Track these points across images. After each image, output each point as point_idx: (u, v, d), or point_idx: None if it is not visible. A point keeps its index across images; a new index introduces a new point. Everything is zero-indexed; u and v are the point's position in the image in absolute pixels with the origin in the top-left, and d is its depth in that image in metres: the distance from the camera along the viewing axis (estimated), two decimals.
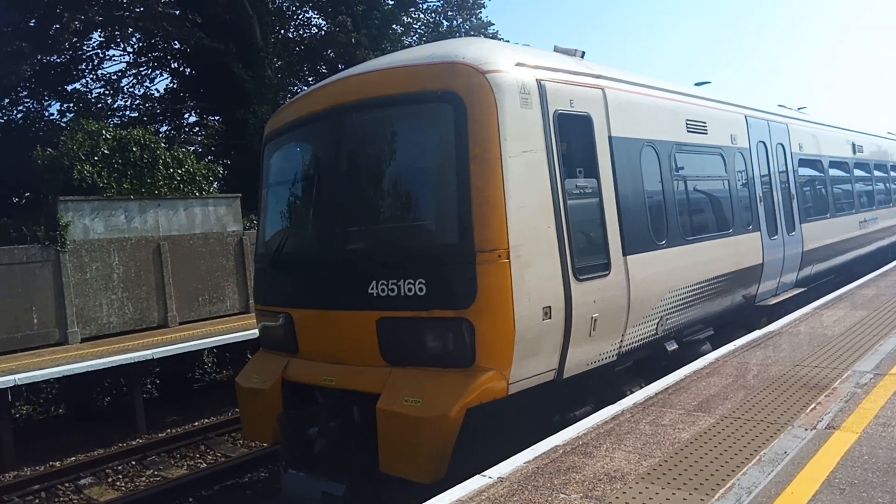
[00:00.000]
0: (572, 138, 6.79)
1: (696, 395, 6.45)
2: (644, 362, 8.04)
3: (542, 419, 6.57)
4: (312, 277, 7.02)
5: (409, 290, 6.03)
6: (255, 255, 8.49)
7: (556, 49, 7.90)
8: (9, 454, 11.59)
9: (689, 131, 9.11)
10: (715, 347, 8.68)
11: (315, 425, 6.83)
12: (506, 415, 6.01)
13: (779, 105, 13.70)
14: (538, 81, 6.44)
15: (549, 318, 6.13)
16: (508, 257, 5.80)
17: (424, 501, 4.49)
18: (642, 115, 8.06)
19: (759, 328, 9.81)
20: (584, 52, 7.93)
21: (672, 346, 8.34)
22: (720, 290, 9.33)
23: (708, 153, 9.67)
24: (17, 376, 11.47)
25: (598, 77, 7.44)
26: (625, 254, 7.15)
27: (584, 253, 6.62)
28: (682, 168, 8.82)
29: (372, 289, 6.26)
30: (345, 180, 6.83)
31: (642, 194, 7.78)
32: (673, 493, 4.29)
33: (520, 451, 5.20)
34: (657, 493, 4.31)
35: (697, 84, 11.46)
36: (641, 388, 7.26)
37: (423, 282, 5.96)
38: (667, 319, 8.05)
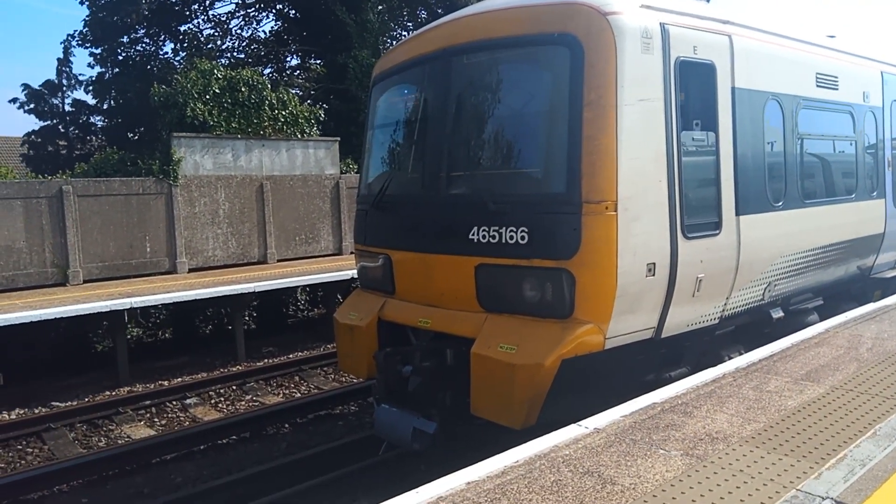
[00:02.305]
0: (693, 88, 6.47)
1: (803, 364, 6.18)
2: (746, 328, 7.70)
3: (637, 377, 6.46)
4: (414, 220, 7.06)
5: (511, 237, 5.99)
6: (357, 196, 8.61)
7: None
8: (123, 371, 12.54)
9: (818, 86, 8.52)
10: (823, 319, 8.28)
11: (409, 364, 6.98)
12: (600, 369, 5.97)
13: None
14: (662, 25, 6.10)
15: (653, 275, 5.95)
16: (616, 210, 5.64)
17: (514, 447, 4.52)
18: (770, 66, 7.58)
19: (873, 301, 9.28)
20: None
21: (778, 314, 7.97)
22: (835, 259, 8.85)
23: (836, 111, 9.03)
24: (132, 300, 12.31)
25: (725, 23, 6.99)
26: (738, 214, 6.83)
27: (694, 210, 6.36)
28: (807, 125, 8.30)
29: (473, 234, 6.25)
30: (452, 124, 6.77)
31: (762, 152, 7.36)
32: (780, 459, 4.15)
33: (612, 407, 5.14)
34: (762, 457, 4.18)
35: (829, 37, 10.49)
36: (741, 354, 7.05)
37: (526, 230, 5.90)
38: (775, 285, 7.69)
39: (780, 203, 7.61)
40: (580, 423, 4.86)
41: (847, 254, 9.14)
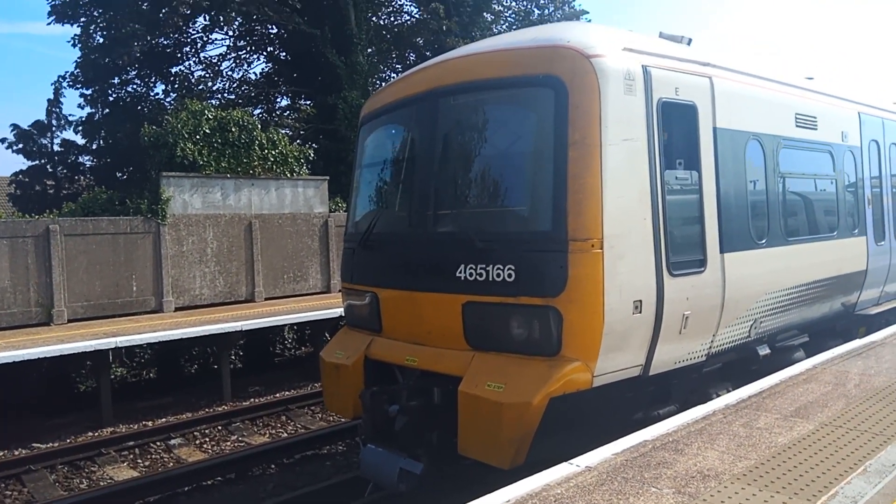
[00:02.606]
0: (675, 128, 6.59)
1: (792, 401, 6.19)
2: (733, 365, 7.71)
3: (625, 415, 6.43)
4: (401, 258, 7.06)
5: (498, 275, 6.00)
6: (345, 234, 8.62)
7: (661, 35, 7.67)
8: (107, 411, 12.33)
9: (797, 126, 8.68)
10: (809, 355, 8.27)
11: (396, 403, 6.90)
12: (588, 407, 5.91)
13: (895, 102, 12.78)
14: (644, 67, 6.25)
15: (640, 312, 5.96)
16: (602, 247, 5.67)
17: (502, 487, 4.48)
18: (750, 107, 7.73)
19: (858, 338, 9.31)
20: (690, 39, 7.67)
21: (764, 351, 7.96)
22: (819, 296, 8.89)
23: (816, 150, 9.19)
24: (117, 339, 12.16)
25: (705, 65, 7.16)
26: (722, 251, 6.89)
27: (679, 248, 6.43)
28: (788, 164, 8.42)
29: (460, 272, 6.26)
30: (439, 163, 6.83)
31: (744, 190, 7.47)
32: (771, 496, 4.14)
33: (600, 446, 5.10)
34: (754, 495, 4.16)
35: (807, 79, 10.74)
36: (728, 391, 6.99)
37: (513, 268, 5.91)
38: (761, 322, 7.72)
39: (764, 240, 7.67)
40: (571, 461, 4.82)
41: (831, 291, 9.17)
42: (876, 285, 10.53)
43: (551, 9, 30.03)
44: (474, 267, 6.17)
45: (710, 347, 7.04)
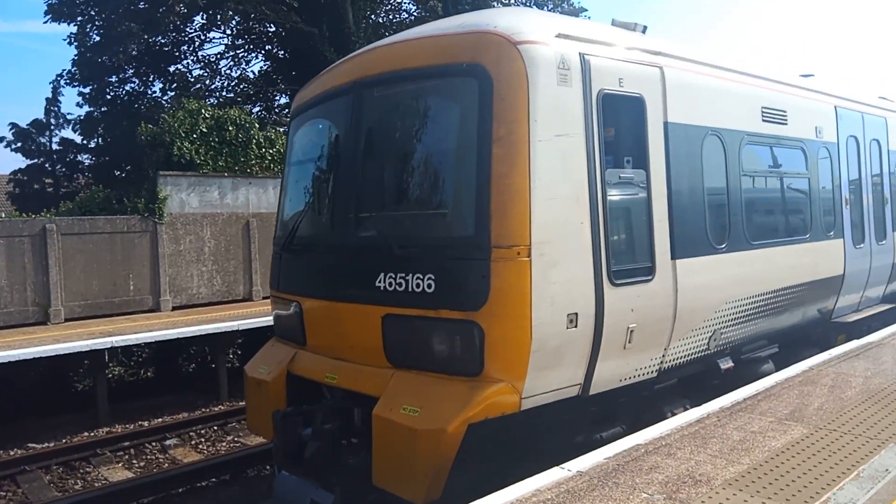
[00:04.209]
0: (619, 122, 6.08)
1: (787, 404, 6.15)
2: (692, 380, 7.12)
3: (563, 439, 5.84)
4: (323, 265, 6.55)
5: (417, 285, 5.44)
6: (273, 237, 8.02)
7: (613, 23, 7.09)
8: (103, 411, 12.31)
9: (764, 120, 8.05)
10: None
11: (311, 426, 6.26)
12: (518, 432, 5.40)
13: (880, 97, 12.11)
14: (581, 56, 5.66)
15: (575, 326, 5.41)
16: (529, 255, 5.12)
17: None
18: (708, 100, 7.11)
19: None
20: (645, 27, 7.13)
21: (726, 364, 7.39)
22: (790, 303, 8.31)
23: (786, 146, 8.58)
24: (113, 339, 12.14)
25: (656, 53, 6.55)
26: (674, 257, 6.31)
27: (622, 255, 5.91)
28: (754, 162, 7.89)
29: (380, 282, 5.69)
30: (360, 162, 6.27)
31: (701, 190, 6.88)
32: (762, 502, 4.10)
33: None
34: (745, 501, 4.13)
35: (804, 76, 10.47)
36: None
37: (433, 277, 5.36)
38: (721, 333, 7.17)
39: (724, 245, 7.11)
40: (563, 465, 4.78)
41: (803, 298, 8.61)
42: (855, 290, 10.00)
43: (550, 6, 29.93)
44: (394, 276, 5.61)
45: (662, 362, 6.48)
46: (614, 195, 5.85)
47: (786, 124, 8.48)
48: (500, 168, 5.18)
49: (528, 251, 5.12)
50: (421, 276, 5.42)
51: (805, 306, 8.79)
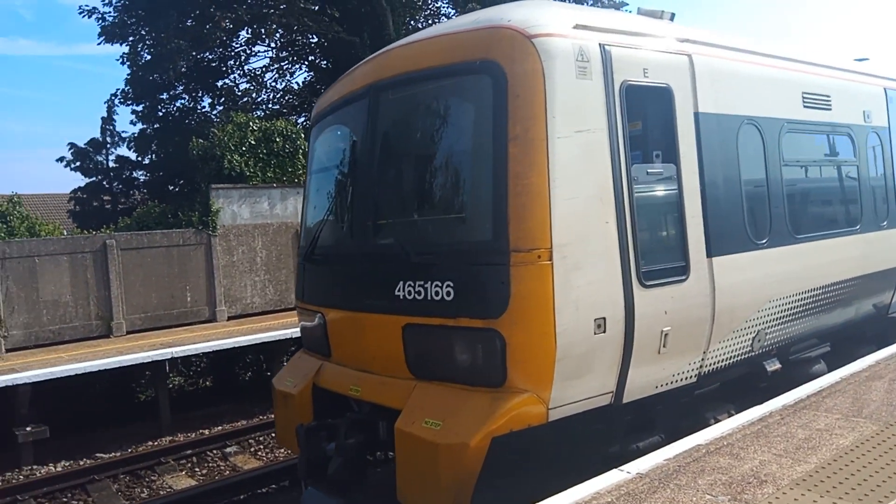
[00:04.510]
0: (646, 115, 5.82)
1: (854, 400, 5.95)
2: (736, 384, 6.79)
3: (596, 450, 5.56)
4: (344, 274, 6.39)
5: (437, 293, 5.23)
6: (299, 247, 7.85)
7: (639, 11, 6.83)
8: (165, 420, 12.67)
9: (806, 106, 7.64)
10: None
11: (335, 440, 6.07)
12: (547, 444, 5.11)
13: None
14: (602, 46, 5.40)
15: (604, 331, 5.15)
16: (551, 258, 4.89)
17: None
18: (742, 87, 6.75)
19: None
20: (673, 14, 6.79)
21: (773, 366, 7.00)
22: (841, 299, 7.87)
23: (831, 133, 8.15)
24: (173, 349, 12.49)
25: (683, 41, 6.23)
26: (710, 255, 5.98)
27: (653, 254, 5.58)
28: (796, 151, 7.46)
29: (399, 290, 5.49)
30: (377, 167, 6.08)
31: (738, 182, 6.51)
32: (833, 503, 3.97)
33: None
34: (815, 502, 4.00)
35: (858, 60, 9.96)
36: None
37: (451, 285, 5.16)
38: (766, 334, 6.80)
39: (765, 240, 6.71)
40: (622, 468, 4.73)
41: (856, 292, 8.16)
42: None
43: (591, 2, 29.59)
44: (413, 284, 5.40)
45: (702, 366, 6.16)
46: (642, 192, 5.57)
47: (830, 109, 8.05)
48: (518, 168, 4.97)
49: (550, 254, 4.90)
50: (440, 284, 5.23)
51: (858, 302, 8.37)
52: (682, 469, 4.63)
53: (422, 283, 5.34)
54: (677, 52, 6.12)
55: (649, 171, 5.70)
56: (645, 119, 5.84)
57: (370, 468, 6.12)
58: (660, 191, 5.81)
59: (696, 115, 6.10)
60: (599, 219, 5.21)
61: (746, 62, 6.98)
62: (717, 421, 6.10)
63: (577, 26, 5.39)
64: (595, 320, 5.10)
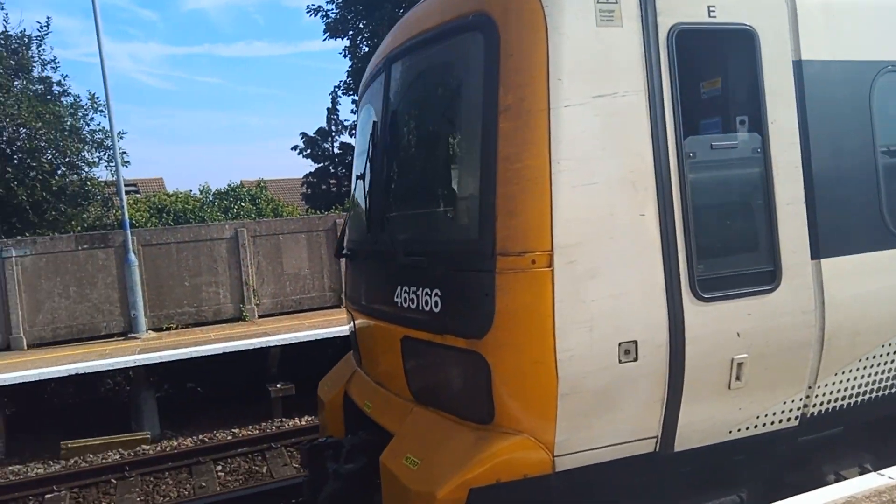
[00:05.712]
0: (713, 70, 4.61)
1: None
2: (873, 428, 5.16)
3: None
4: (362, 273, 5.68)
5: (426, 303, 4.33)
6: None
7: None
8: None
9: None
10: None
11: (338, 462, 5.41)
12: (563, 501, 4.07)
13: None
14: None
15: (634, 359, 4.00)
16: (550, 264, 3.81)
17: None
18: (880, 19, 4.87)
19: None
20: None
21: None
22: None
23: None
24: None
25: None
26: (818, 256, 4.47)
27: (717, 256, 4.26)
28: None
29: (398, 296, 4.64)
30: (387, 151, 5.13)
31: (871, 155, 4.74)
32: None
33: None
34: None
35: None
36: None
37: (438, 293, 4.25)
38: None
39: None
40: (882, 471, 4.31)
41: None
42: None
43: None
44: (408, 290, 4.53)
45: (807, 405, 4.66)
46: (701, 173, 4.24)
47: None
48: (509, 148, 3.90)
49: (549, 258, 3.82)
50: (429, 291, 4.32)
51: None
52: None
53: (414, 288, 4.49)
54: None
55: (714, 144, 4.36)
56: (711, 75, 4.69)
57: (377, 495, 4.88)
58: (733, 170, 4.46)
59: (799, 63, 4.50)
60: (630, 210, 4.00)
61: None
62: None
63: None
64: (621, 345, 3.97)
